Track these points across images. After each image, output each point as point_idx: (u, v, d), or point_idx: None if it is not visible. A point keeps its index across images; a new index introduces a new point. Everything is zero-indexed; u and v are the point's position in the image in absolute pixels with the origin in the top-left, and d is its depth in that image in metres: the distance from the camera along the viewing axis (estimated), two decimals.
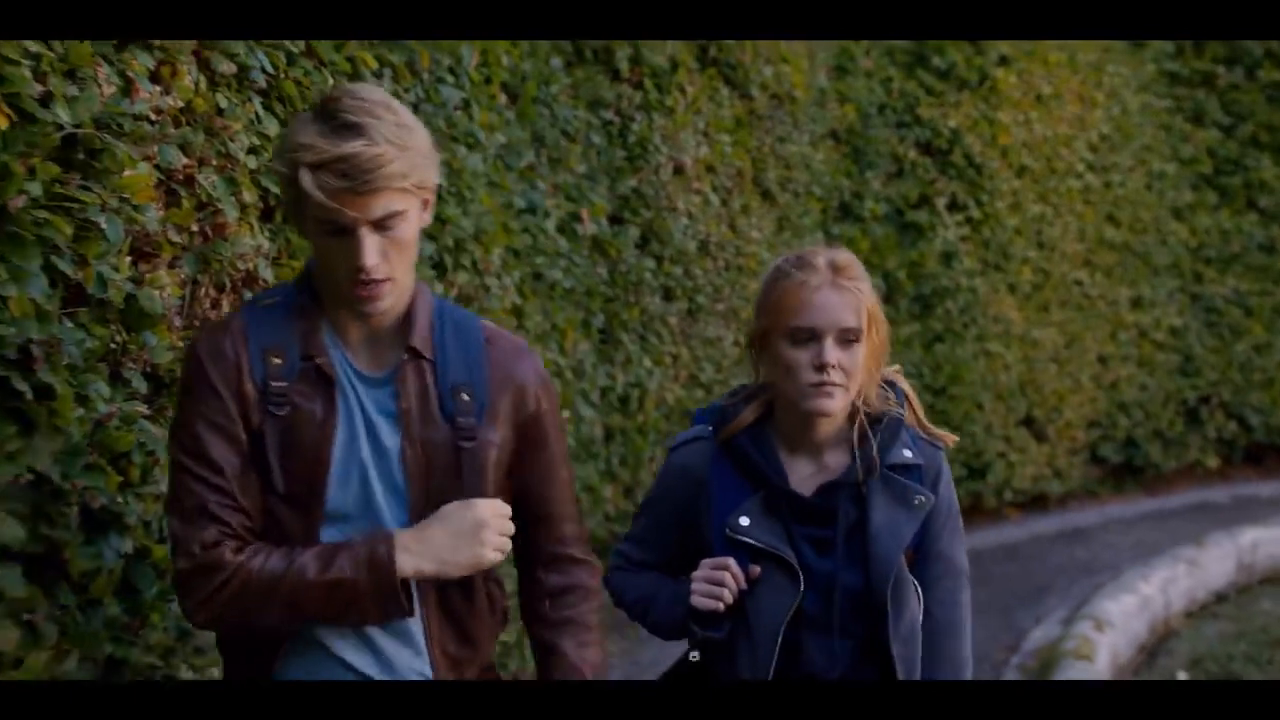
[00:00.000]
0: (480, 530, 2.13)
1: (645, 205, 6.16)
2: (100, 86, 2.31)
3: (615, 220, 6.00)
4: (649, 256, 6.23)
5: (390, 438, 2.19)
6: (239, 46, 2.92)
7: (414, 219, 2.14)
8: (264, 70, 3.01)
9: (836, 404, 2.40)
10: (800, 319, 2.37)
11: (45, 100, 2.16)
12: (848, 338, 2.39)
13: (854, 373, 2.40)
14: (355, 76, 3.50)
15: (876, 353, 2.47)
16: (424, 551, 2.12)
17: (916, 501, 2.44)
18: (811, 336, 2.38)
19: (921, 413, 2.57)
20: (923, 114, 9.01)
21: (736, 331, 6.99)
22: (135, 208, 2.40)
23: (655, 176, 6.20)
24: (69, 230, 2.17)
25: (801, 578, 2.39)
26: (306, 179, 2.06)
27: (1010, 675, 5.91)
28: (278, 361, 2.16)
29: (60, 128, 2.20)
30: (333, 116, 2.09)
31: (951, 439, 2.56)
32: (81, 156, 2.27)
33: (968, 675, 2.52)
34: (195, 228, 2.74)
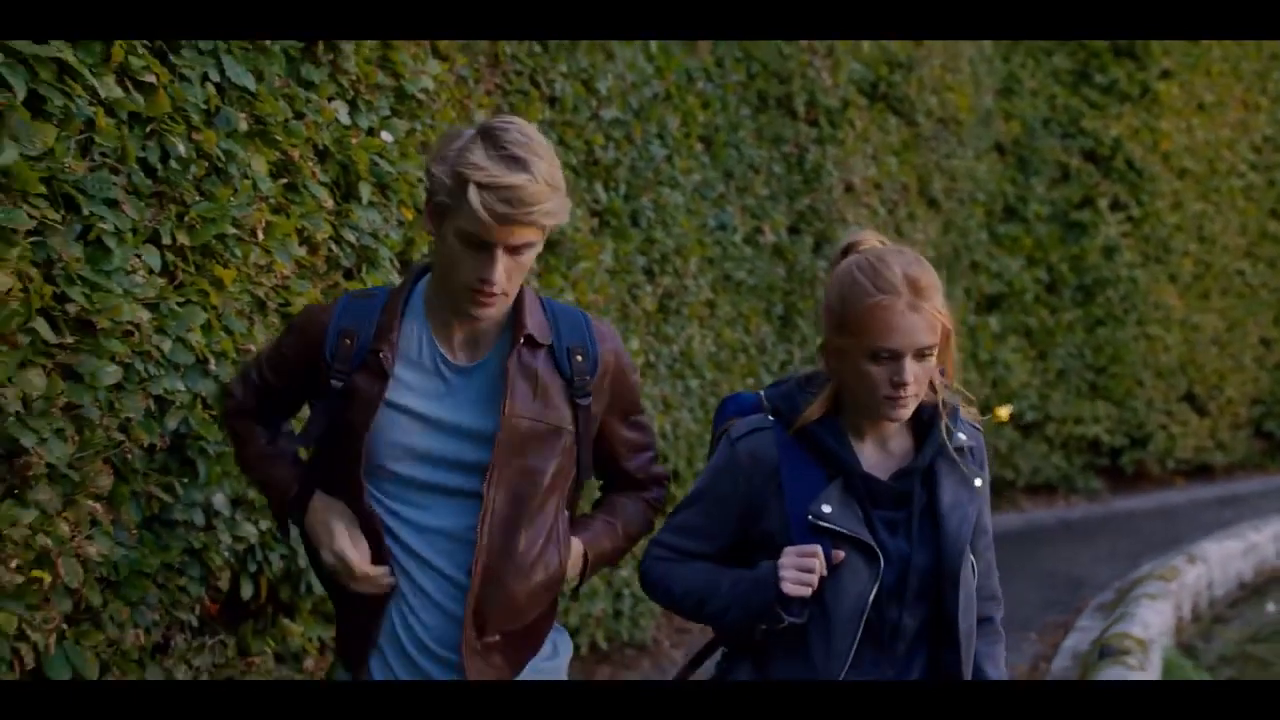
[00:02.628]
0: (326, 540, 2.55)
1: (819, 218, 8.04)
2: None
3: (793, 231, 7.90)
4: (822, 259, 8.10)
5: (478, 418, 2.53)
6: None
7: (538, 247, 2.45)
8: None
9: (909, 412, 2.52)
10: (882, 342, 2.46)
11: None
12: (924, 353, 2.48)
13: (926, 380, 2.52)
14: (592, 160, 5.54)
15: (944, 355, 2.56)
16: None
17: (977, 483, 2.59)
18: (891, 356, 2.47)
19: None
20: (1086, 125, 10.60)
21: None
22: None
23: (828, 195, 8.08)
24: None
25: (882, 561, 2.50)
26: (474, 195, 2.32)
27: (1108, 595, 7.57)
28: (348, 343, 2.51)
29: None
30: (500, 145, 2.36)
31: (979, 417, 2.71)
32: None
33: (1002, 636, 2.72)
34: None
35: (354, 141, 3.70)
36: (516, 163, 2.34)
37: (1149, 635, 6.31)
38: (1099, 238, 10.63)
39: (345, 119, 3.67)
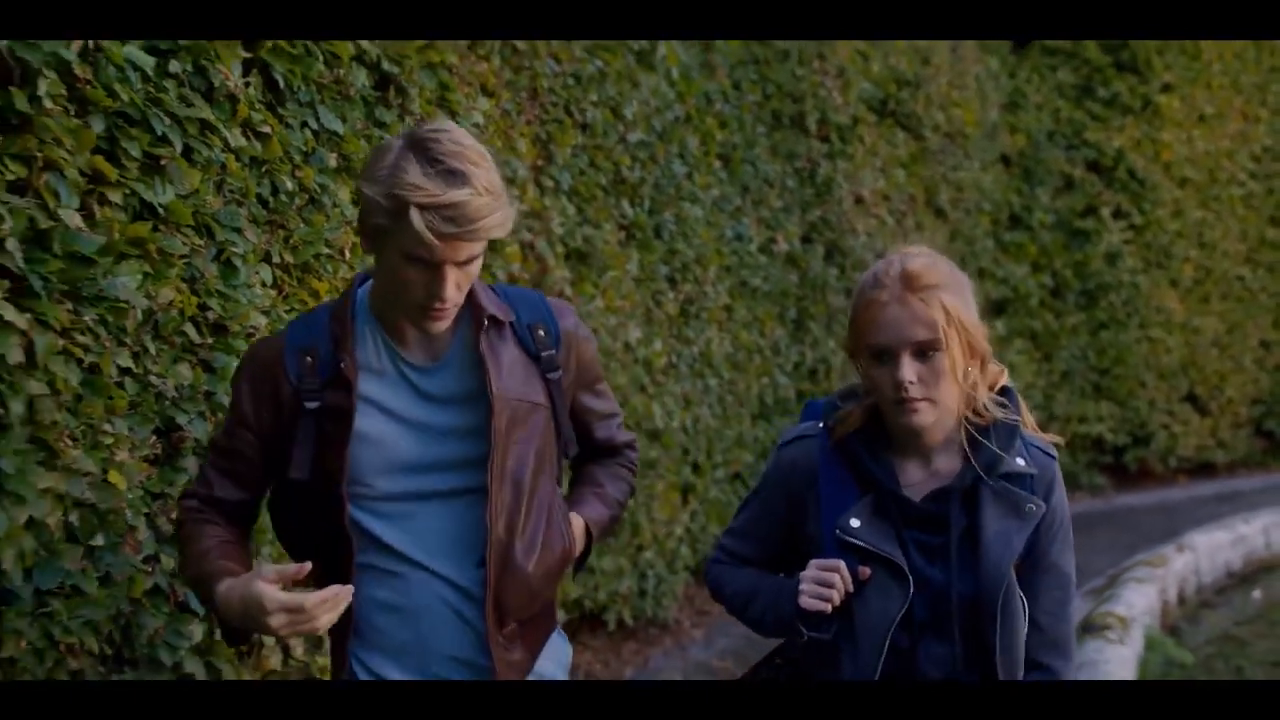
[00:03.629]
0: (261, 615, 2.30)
1: (829, 229, 8.72)
2: None
3: (805, 240, 8.58)
4: (833, 266, 8.79)
5: (455, 414, 2.51)
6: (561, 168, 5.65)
7: (483, 255, 2.40)
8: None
9: (925, 418, 2.43)
10: (873, 338, 2.41)
11: None
12: (924, 350, 2.40)
13: (938, 383, 2.41)
14: (619, 179, 6.23)
15: (969, 355, 2.45)
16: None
17: (1028, 509, 2.45)
18: (887, 354, 2.41)
19: (1031, 421, 2.58)
20: (1089, 137, 11.26)
21: None
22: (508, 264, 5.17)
23: (838, 207, 8.76)
24: (487, 279, 4.92)
25: (911, 582, 2.43)
26: (416, 218, 2.26)
27: (1099, 581, 8.22)
28: (310, 360, 2.46)
29: None
30: (435, 160, 2.29)
31: (1059, 440, 2.62)
32: (494, 249, 5.02)
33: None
34: (529, 273, 5.49)
35: None
36: (454, 176, 2.29)
37: (1132, 614, 6.96)
38: (1102, 245, 11.28)
39: None
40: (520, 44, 5.33)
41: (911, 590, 2.43)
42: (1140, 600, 7.29)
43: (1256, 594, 8.71)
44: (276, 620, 2.30)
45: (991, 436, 2.47)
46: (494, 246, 5.00)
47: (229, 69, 3.33)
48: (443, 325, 2.43)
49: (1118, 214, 11.43)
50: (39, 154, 2.66)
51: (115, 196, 2.91)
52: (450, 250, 2.31)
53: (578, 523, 2.69)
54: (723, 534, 2.75)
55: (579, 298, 5.82)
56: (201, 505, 2.54)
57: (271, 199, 3.58)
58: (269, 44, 3.53)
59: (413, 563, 2.51)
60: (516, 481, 2.52)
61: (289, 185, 3.62)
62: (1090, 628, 6.57)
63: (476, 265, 2.39)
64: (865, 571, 2.44)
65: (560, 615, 5.81)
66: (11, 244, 2.57)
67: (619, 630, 6.80)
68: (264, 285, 3.53)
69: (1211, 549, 8.89)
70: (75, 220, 2.74)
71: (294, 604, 2.29)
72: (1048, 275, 11.15)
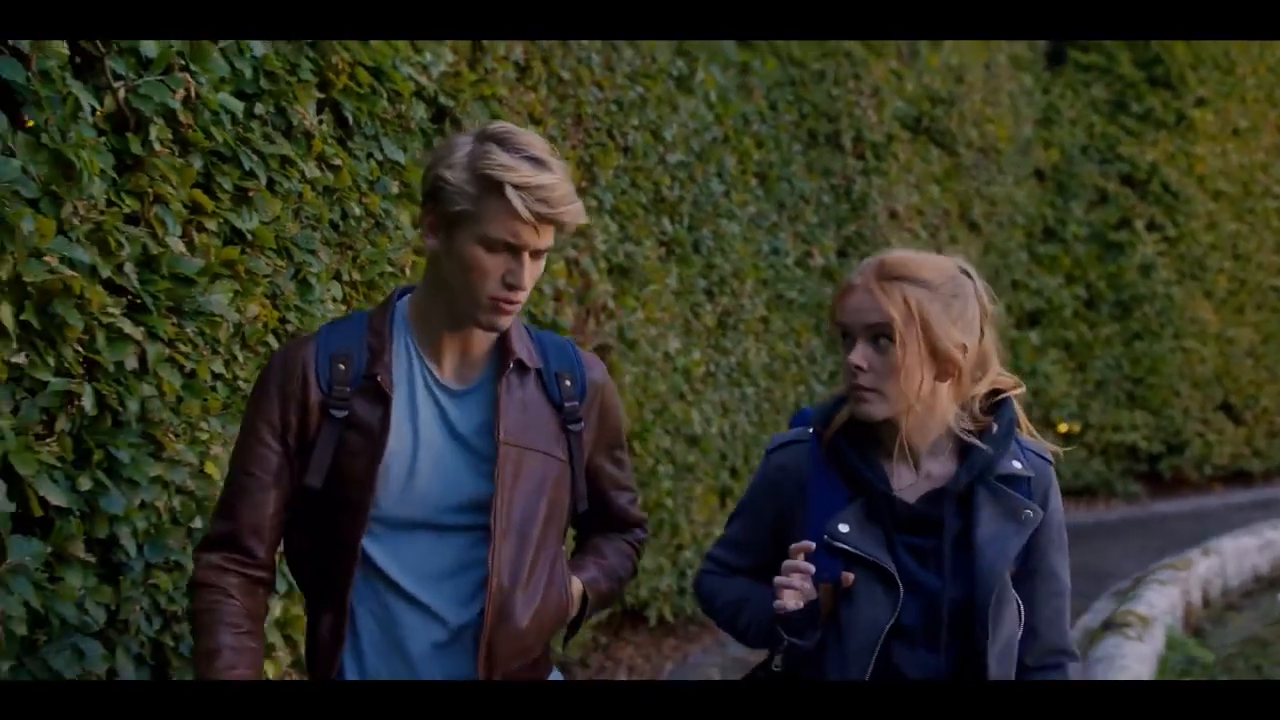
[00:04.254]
0: None
1: (865, 242, 9.11)
2: None
3: (841, 254, 8.98)
4: None
5: (474, 447, 2.48)
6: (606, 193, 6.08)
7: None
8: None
9: (873, 409, 2.40)
10: (837, 317, 2.43)
11: None
12: (877, 334, 2.38)
13: (890, 375, 2.38)
14: (659, 198, 6.67)
15: (931, 359, 2.39)
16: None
17: (1025, 515, 2.42)
18: (847, 337, 2.42)
19: (1029, 427, 2.54)
20: (1123, 151, 11.60)
21: None
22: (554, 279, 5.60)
23: (873, 221, 9.16)
24: (532, 292, 5.36)
25: (900, 588, 2.39)
26: (514, 196, 2.30)
27: (1126, 583, 8.56)
28: (343, 368, 2.44)
29: None
30: (517, 148, 2.36)
31: (1056, 450, 2.56)
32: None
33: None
34: (573, 287, 5.92)
35: None
36: (541, 163, 2.35)
37: (1153, 613, 7.31)
38: (1136, 256, 11.61)
39: None
40: (565, 74, 5.76)
41: (901, 597, 2.39)
42: (1162, 600, 7.63)
43: None
44: None
45: (986, 439, 2.46)
46: None
47: (305, 109, 3.78)
48: (507, 321, 2.42)
49: (1151, 226, 11.76)
50: (150, 189, 3.12)
51: (211, 225, 3.36)
52: (533, 236, 2.35)
53: (576, 586, 2.63)
54: (713, 545, 2.72)
55: (621, 310, 6.25)
56: (221, 563, 2.49)
57: (342, 223, 4.03)
58: (340, 84, 3.98)
59: (403, 594, 2.48)
60: (523, 532, 2.48)
61: (357, 211, 4.06)
62: (1110, 624, 6.92)
63: (542, 263, 2.43)
64: (849, 577, 2.39)
65: (601, 612, 6.25)
66: (129, 267, 3.03)
67: (660, 626, 7.19)
68: (335, 300, 3.97)
69: (1238, 553, 9.21)
70: (179, 246, 3.19)
71: None
72: (1082, 287, 11.49)
